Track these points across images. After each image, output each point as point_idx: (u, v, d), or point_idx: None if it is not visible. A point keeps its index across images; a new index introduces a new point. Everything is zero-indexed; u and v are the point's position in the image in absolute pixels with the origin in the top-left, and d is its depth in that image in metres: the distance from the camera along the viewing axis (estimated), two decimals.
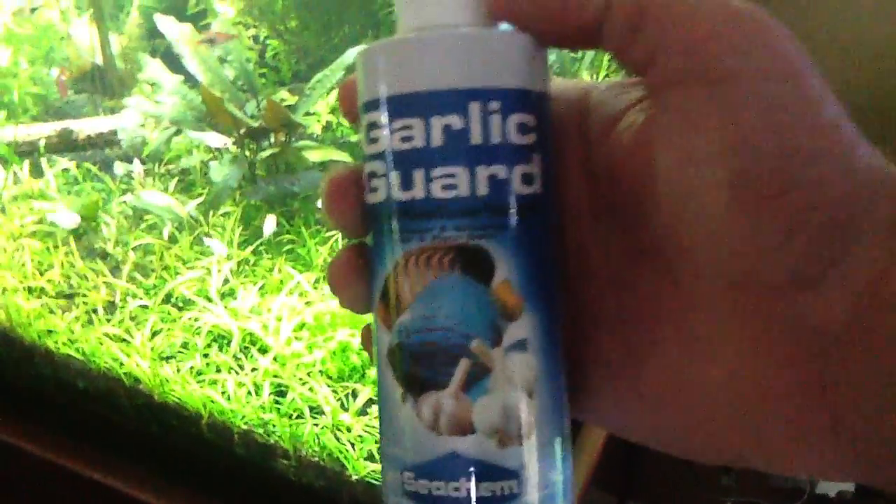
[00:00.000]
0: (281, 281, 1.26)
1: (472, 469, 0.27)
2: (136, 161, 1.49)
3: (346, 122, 1.45)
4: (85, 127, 1.59)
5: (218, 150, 1.44)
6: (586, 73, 1.21)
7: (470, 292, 0.27)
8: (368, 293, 0.30)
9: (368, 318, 0.31)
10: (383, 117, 0.27)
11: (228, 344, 1.19)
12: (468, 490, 0.27)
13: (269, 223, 1.32)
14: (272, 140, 1.39)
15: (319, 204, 0.31)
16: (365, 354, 1.13)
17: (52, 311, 1.28)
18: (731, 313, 0.26)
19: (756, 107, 0.24)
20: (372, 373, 1.12)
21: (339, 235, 1.31)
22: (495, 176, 0.27)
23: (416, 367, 0.27)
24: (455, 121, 0.26)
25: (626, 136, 0.29)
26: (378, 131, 0.28)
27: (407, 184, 0.27)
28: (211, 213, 1.37)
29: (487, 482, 0.27)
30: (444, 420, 0.27)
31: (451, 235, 0.27)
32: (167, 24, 1.40)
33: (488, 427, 0.27)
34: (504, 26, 0.29)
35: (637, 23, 0.26)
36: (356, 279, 0.30)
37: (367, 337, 0.31)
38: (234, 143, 1.42)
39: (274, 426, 1.08)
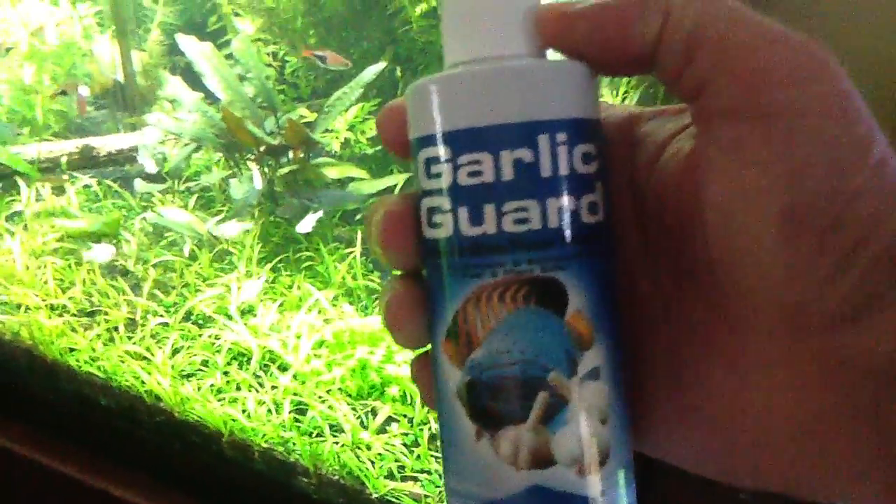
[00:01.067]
0: (300, 298, 1.27)
1: (554, 500, 0.26)
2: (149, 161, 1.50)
3: (363, 139, 1.46)
4: (106, 144, 1.60)
5: (237, 167, 1.45)
6: (606, 90, 1.20)
7: (546, 325, 0.26)
8: (426, 328, 0.29)
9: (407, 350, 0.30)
10: (446, 152, 0.27)
11: (248, 362, 1.19)
12: None
13: (308, 221, 1.31)
14: (291, 157, 1.40)
15: (374, 237, 0.30)
16: (384, 372, 1.14)
17: (73, 329, 1.29)
18: (780, 343, 0.26)
19: (808, 142, 0.24)
20: (392, 391, 1.12)
21: (358, 252, 1.31)
22: (564, 207, 0.26)
23: (492, 402, 0.27)
24: (525, 154, 0.26)
25: (673, 165, 0.28)
26: (440, 166, 0.27)
27: (477, 219, 0.26)
28: None
29: None
30: (524, 454, 0.26)
31: (524, 269, 0.26)
32: (188, 43, 1.41)
33: (568, 458, 0.26)
34: (554, 55, 0.29)
35: (690, 51, 0.26)
36: (414, 315, 0.29)
37: (422, 371, 0.30)
38: (253, 160, 1.43)
39: (294, 444, 1.08)
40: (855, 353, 0.24)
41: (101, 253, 1.38)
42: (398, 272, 0.30)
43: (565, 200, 0.26)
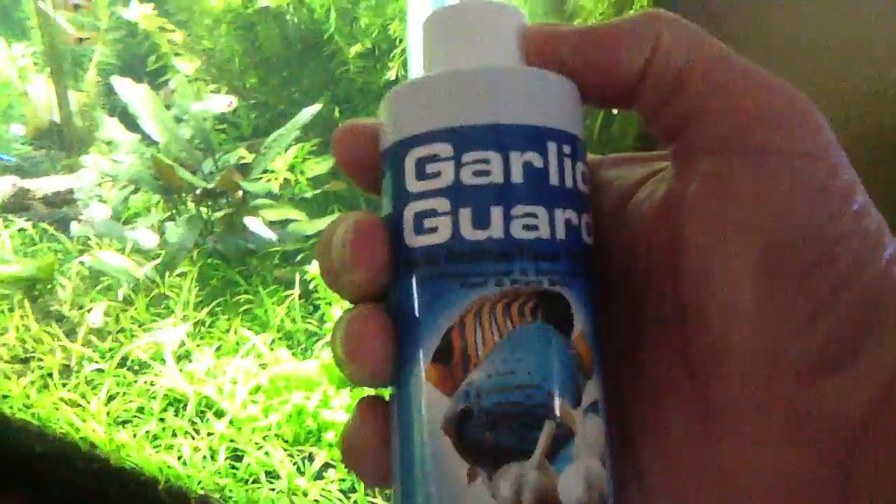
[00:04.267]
0: (237, 343, 1.26)
1: None
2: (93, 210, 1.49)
3: (303, 179, 1.46)
4: (42, 185, 1.58)
5: (176, 208, 1.44)
6: None
7: (553, 344, 0.24)
8: (391, 360, 0.25)
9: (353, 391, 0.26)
10: (449, 149, 0.24)
11: (184, 408, 1.18)
12: None
13: (96, 313, 1.33)
14: (230, 198, 1.40)
15: (335, 253, 0.26)
16: (321, 417, 1.13)
17: (7, 376, 1.27)
18: (750, 392, 0.24)
19: (795, 181, 0.24)
20: (328, 436, 1.12)
21: (297, 294, 1.31)
22: (570, 221, 0.25)
23: (491, 434, 0.23)
24: (535, 158, 0.24)
25: (645, 208, 0.27)
26: (439, 165, 0.24)
27: (482, 221, 0.24)
28: (167, 273, 1.36)
29: None
30: (528, 496, 0.23)
31: (532, 280, 0.24)
32: (123, 85, 1.41)
33: (575, 501, 0.23)
34: None
35: (677, 87, 0.25)
36: (380, 343, 0.25)
37: (374, 414, 0.27)
38: (192, 202, 1.43)
39: (231, 491, 1.08)
40: (829, 405, 0.23)
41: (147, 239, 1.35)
42: (357, 299, 0.27)
43: (571, 214, 0.25)
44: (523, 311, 0.23)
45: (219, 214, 1.37)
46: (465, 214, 0.24)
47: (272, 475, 1.09)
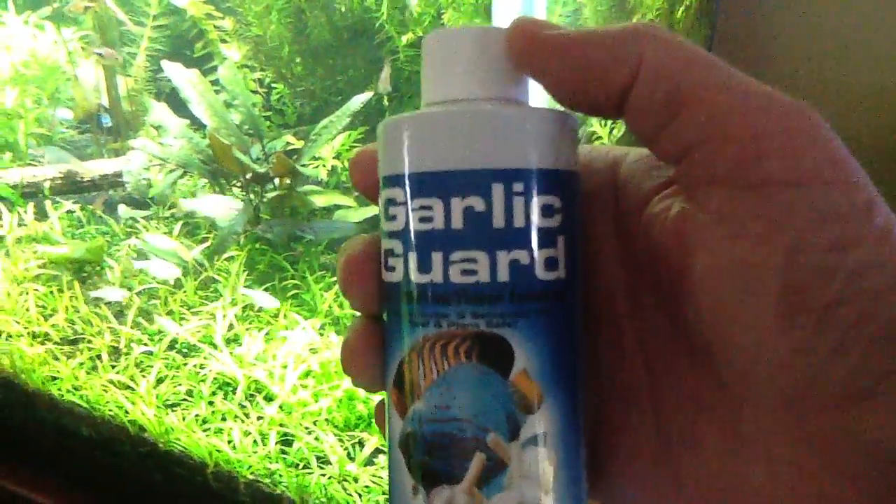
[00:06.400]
0: (286, 327, 1.26)
1: None
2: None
3: None
4: (90, 169, 1.59)
5: (223, 193, 1.45)
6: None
7: (487, 383, 0.25)
8: (383, 372, 0.28)
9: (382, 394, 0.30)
10: (402, 195, 0.26)
11: (234, 391, 1.18)
12: None
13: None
14: (277, 184, 1.40)
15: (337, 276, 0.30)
16: (372, 403, 1.13)
17: (56, 357, 1.27)
18: (781, 420, 0.24)
19: (807, 214, 0.23)
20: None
21: None
22: (517, 261, 0.25)
23: (429, 458, 0.26)
24: (476, 203, 0.25)
25: (659, 226, 0.27)
26: (396, 209, 0.26)
27: (425, 266, 0.26)
28: (216, 257, 1.36)
29: None
30: None
31: (468, 322, 0.25)
32: (174, 69, 1.41)
33: None
34: (532, 103, 0.28)
35: (671, 111, 0.24)
36: (371, 358, 0.29)
37: (381, 414, 0.29)
38: (239, 187, 1.43)
39: (280, 476, 1.07)
40: (860, 434, 0.23)
41: (164, 270, 1.36)
42: (360, 314, 0.30)
43: (518, 254, 0.25)
44: (458, 351, 0.25)
45: (272, 195, 1.37)
46: (413, 258, 0.26)
47: (323, 460, 1.08)
